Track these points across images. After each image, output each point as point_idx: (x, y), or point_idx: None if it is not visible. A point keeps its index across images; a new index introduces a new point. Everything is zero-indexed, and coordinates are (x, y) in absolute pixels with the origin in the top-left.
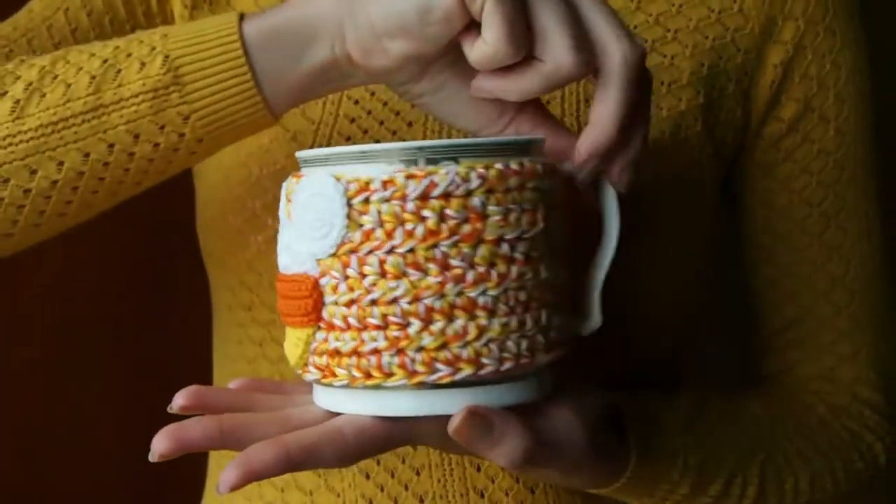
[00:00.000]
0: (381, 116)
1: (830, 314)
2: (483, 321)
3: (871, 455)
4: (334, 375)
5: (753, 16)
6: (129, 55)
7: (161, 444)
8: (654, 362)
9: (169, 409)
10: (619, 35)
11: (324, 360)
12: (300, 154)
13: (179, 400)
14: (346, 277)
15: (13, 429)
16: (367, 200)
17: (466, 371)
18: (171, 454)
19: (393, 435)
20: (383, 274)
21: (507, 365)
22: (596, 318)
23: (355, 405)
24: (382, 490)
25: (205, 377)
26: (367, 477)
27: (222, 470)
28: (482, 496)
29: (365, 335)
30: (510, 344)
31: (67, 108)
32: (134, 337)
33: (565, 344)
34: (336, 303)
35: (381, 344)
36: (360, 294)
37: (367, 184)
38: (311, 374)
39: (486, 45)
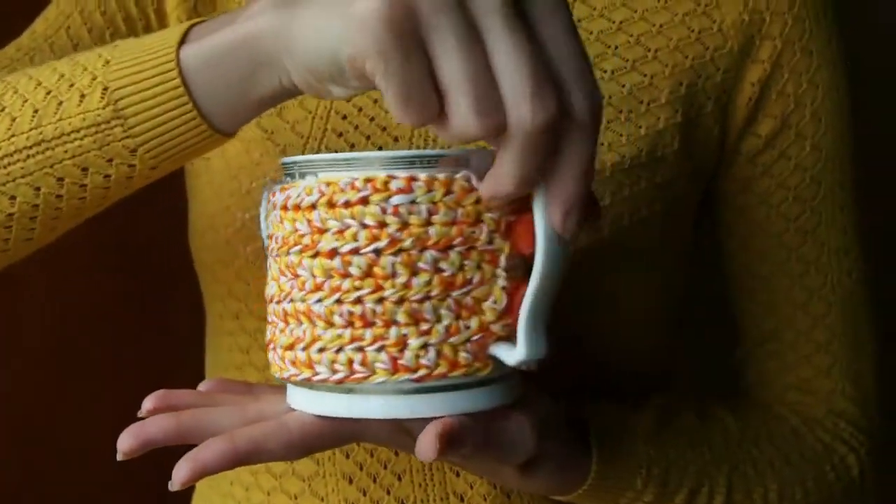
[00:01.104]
0: (367, 132)
1: (808, 326)
2: (425, 326)
3: (843, 467)
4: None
5: (732, 35)
6: (70, 85)
7: (124, 442)
8: (627, 374)
9: (139, 414)
10: (529, 94)
11: (290, 355)
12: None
13: (147, 404)
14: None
15: (13, 429)
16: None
17: (404, 376)
18: (135, 451)
19: (339, 431)
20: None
21: (440, 371)
22: (521, 350)
23: (299, 403)
24: (365, 494)
25: (203, 378)
26: (350, 482)
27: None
28: (462, 500)
29: (317, 332)
30: (446, 351)
31: (12, 143)
32: (133, 338)
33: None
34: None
35: (328, 342)
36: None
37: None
38: (278, 370)
39: (391, 107)
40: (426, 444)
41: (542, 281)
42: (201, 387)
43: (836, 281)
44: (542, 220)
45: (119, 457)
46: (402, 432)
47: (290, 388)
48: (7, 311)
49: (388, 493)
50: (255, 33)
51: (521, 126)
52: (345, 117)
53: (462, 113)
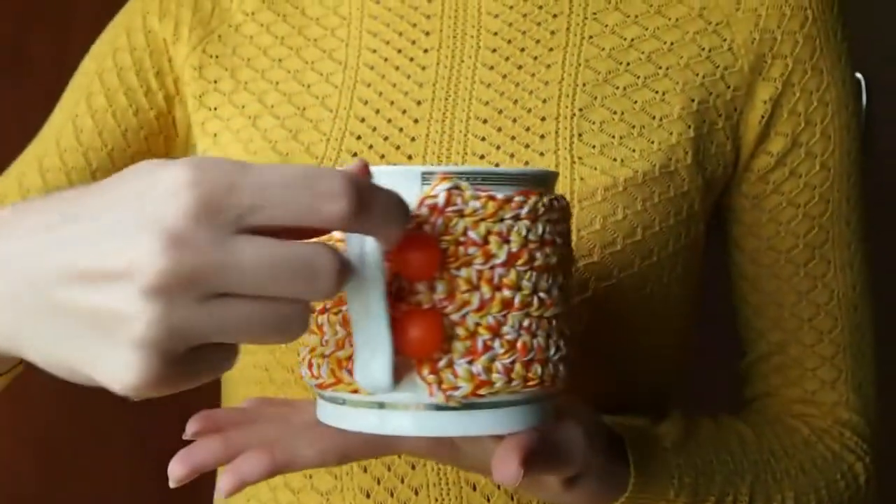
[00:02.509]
0: (382, 150)
1: (814, 340)
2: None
3: (852, 475)
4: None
5: (743, 54)
6: None
7: (175, 470)
8: (644, 388)
9: (184, 437)
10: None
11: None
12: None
13: (192, 427)
14: None
15: (36, 441)
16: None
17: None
18: (186, 477)
19: (378, 444)
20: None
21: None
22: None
23: (330, 418)
24: None
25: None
26: (368, 496)
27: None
28: None
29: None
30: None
31: None
32: None
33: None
34: None
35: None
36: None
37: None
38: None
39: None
40: (508, 467)
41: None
42: (243, 404)
43: (841, 295)
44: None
45: (172, 484)
46: (442, 444)
47: (321, 403)
48: None
49: None
50: None
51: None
52: (359, 137)
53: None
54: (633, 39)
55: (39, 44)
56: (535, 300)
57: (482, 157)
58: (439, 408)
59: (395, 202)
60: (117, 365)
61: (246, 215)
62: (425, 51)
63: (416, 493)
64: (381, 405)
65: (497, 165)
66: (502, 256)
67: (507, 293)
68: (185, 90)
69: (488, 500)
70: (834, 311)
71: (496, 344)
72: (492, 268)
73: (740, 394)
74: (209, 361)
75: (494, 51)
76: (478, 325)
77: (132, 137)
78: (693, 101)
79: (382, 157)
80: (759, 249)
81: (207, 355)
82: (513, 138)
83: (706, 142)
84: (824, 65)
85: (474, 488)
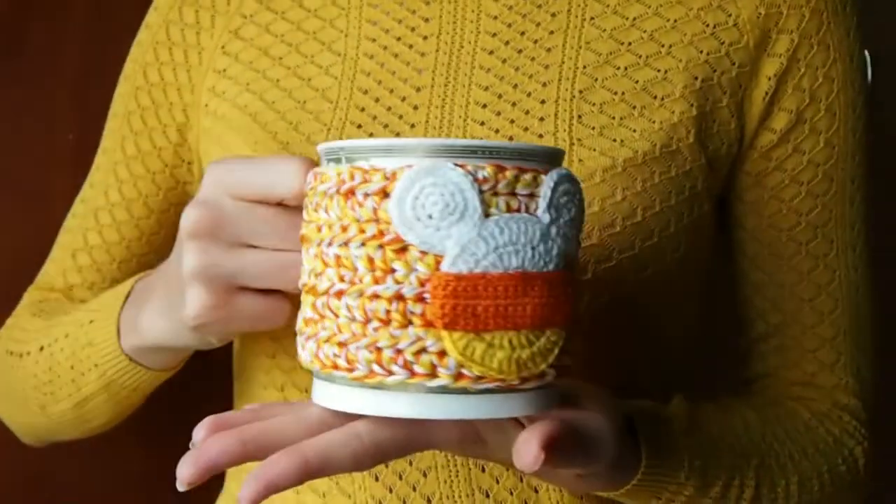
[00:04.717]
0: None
1: (814, 321)
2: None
3: (852, 459)
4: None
5: (748, 30)
6: (81, 373)
7: (183, 472)
8: (645, 372)
9: (191, 445)
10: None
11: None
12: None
13: (199, 433)
14: None
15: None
16: None
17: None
18: (196, 480)
19: (411, 438)
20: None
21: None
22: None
23: (325, 399)
24: (391, 491)
25: (225, 378)
26: (377, 479)
27: (240, 473)
28: (487, 496)
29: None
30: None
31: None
32: None
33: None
34: None
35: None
36: None
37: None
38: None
39: None
40: (528, 453)
41: None
42: (247, 408)
43: (843, 276)
44: None
45: (180, 487)
46: (473, 440)
47: (317, 385)
48: None
49: (415, 489)
50: (153, 342)
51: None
52: (360, 126)
53: None
54: (635, 18)
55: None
56: None
57: None
58: (438, 391)
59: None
60: (184, 299)
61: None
62: (425, 38)
63: (425, 476)
64: (380, 388)
65: None
66: None
67: None
68: (197, 112)
69: (497, 482)
70: (835, 292)
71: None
72: None
73: (736, 375)
74: (249, 305)
75: (494, 35)
76: None
77: (159, 178)
78: (696, 78)
79: (385, 126)
80: (760, 227)
81: (247, 299)
82: (512, 122)
83: (709, 120)
84: (831, 40)
85: (483, 470)
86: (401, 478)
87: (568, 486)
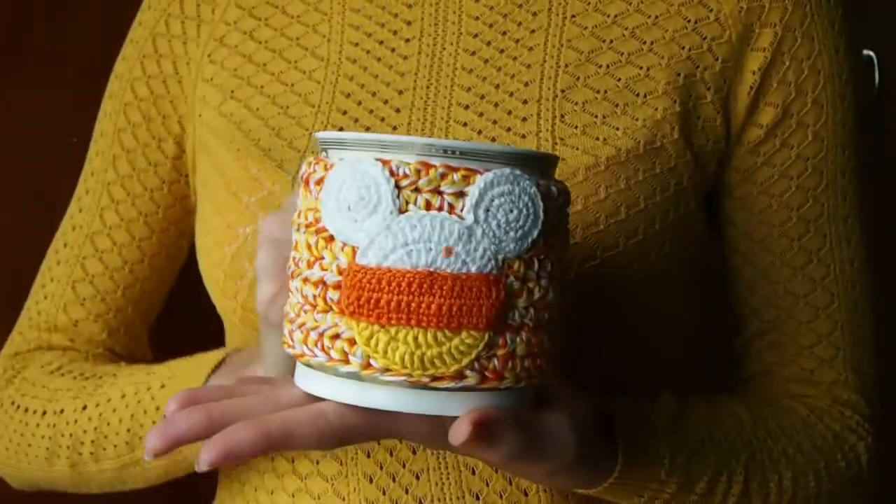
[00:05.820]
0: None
1: (809, 317)
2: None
3: (853, 455)
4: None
5: (730, 24)
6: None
7: (151, 442)
8: (641, 370)
9: (163, 417)
10: None
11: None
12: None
13: (172, 405)
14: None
15: None
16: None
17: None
18: (163, 451)
19: (376, 426)
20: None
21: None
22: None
23: (308, 385)
24: (384, 493)
25: None
26: (371, 481)
27: (232, 483)
28: (477, 498)
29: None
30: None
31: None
32: (161, 346)
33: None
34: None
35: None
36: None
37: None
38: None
39: None
40: (458, 427)
41: None
42: (222, 385)
43: (838, 271)
44: None
45: (146, 457)
46: (442, 434)
47: (300, 370)
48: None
49: (407, 492)
50: None
51: None
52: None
53: None
54: (616, 16)
55: (41, 35)
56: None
57: None
58: (418, 387)
59: None
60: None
61: None
62: (407, 40)
63: (418, 478)
64: (362, 378)
65: None
66: None
67: None
68: (192, 123)
69: (487, 485)
70: (830, 286)
71: None
72: None
73: (733, 373)
74: None
75: (476, 36)
76: None
77: (158, 195)
78: (679, 75)
79: (371, 112)
80: (751, 223)
81: None
82: (494, 122)
83: (693, 116)
84: (815, 32)
85: (473, 472)
86: (394, 479)
87: (541, 482)
